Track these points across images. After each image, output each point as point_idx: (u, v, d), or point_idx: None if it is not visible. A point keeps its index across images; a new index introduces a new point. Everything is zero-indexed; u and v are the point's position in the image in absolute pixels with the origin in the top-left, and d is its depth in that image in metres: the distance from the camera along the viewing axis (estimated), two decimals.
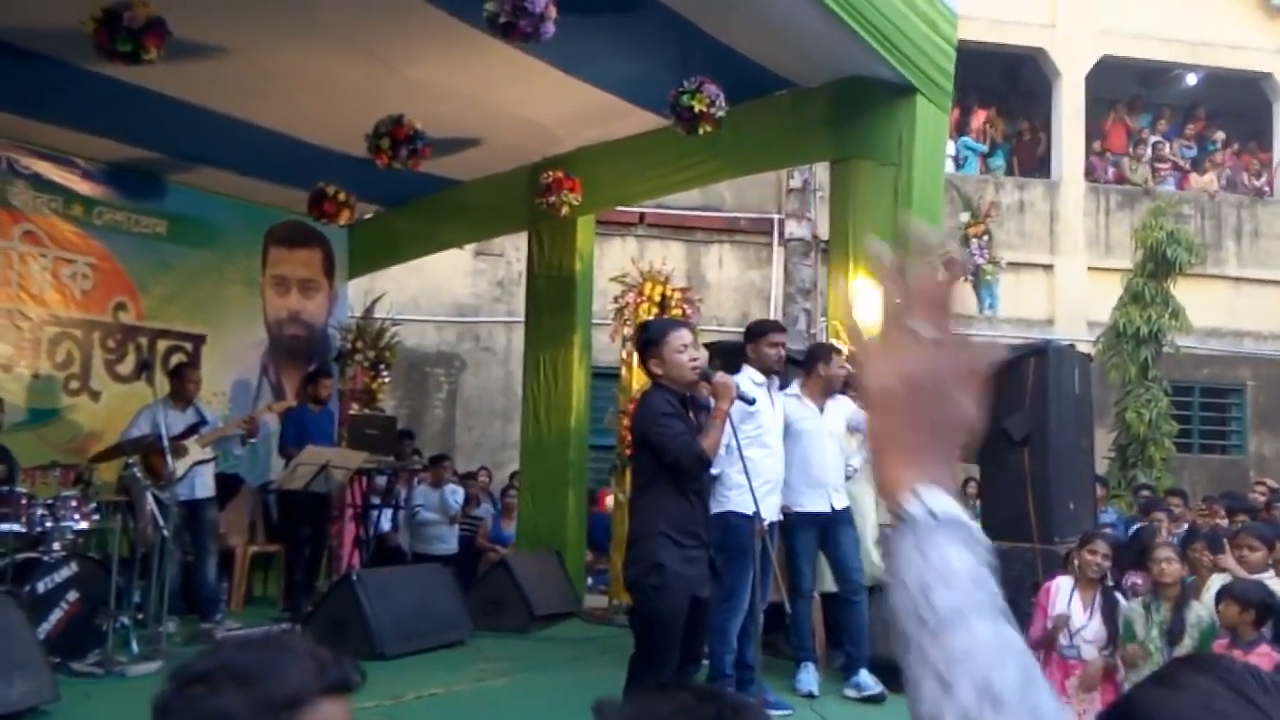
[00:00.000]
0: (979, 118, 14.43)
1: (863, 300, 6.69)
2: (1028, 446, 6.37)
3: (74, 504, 5.96)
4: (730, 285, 12.91)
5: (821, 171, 11.44)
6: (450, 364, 12.46)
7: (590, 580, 9.05)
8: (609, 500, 8.94)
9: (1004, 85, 14.98)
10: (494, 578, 7.62)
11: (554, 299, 8.71)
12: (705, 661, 5.16)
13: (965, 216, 11.46)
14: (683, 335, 4.56)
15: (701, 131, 6.42)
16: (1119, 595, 5.23)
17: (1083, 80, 13.90)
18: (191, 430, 6.87)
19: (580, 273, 8.71)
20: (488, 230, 10.10)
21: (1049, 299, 13.59)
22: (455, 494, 9.35)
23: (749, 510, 4.80)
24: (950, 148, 13.04)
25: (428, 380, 12.36)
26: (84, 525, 5.99)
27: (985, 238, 11.38)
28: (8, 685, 4.53)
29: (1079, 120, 13.97)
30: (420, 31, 6.10)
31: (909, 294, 0.92)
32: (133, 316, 8.40)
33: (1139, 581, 5.66)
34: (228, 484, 7.86)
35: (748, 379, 5.21)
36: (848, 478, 5.80)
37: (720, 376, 4.52)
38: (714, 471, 4.82)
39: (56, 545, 5.77)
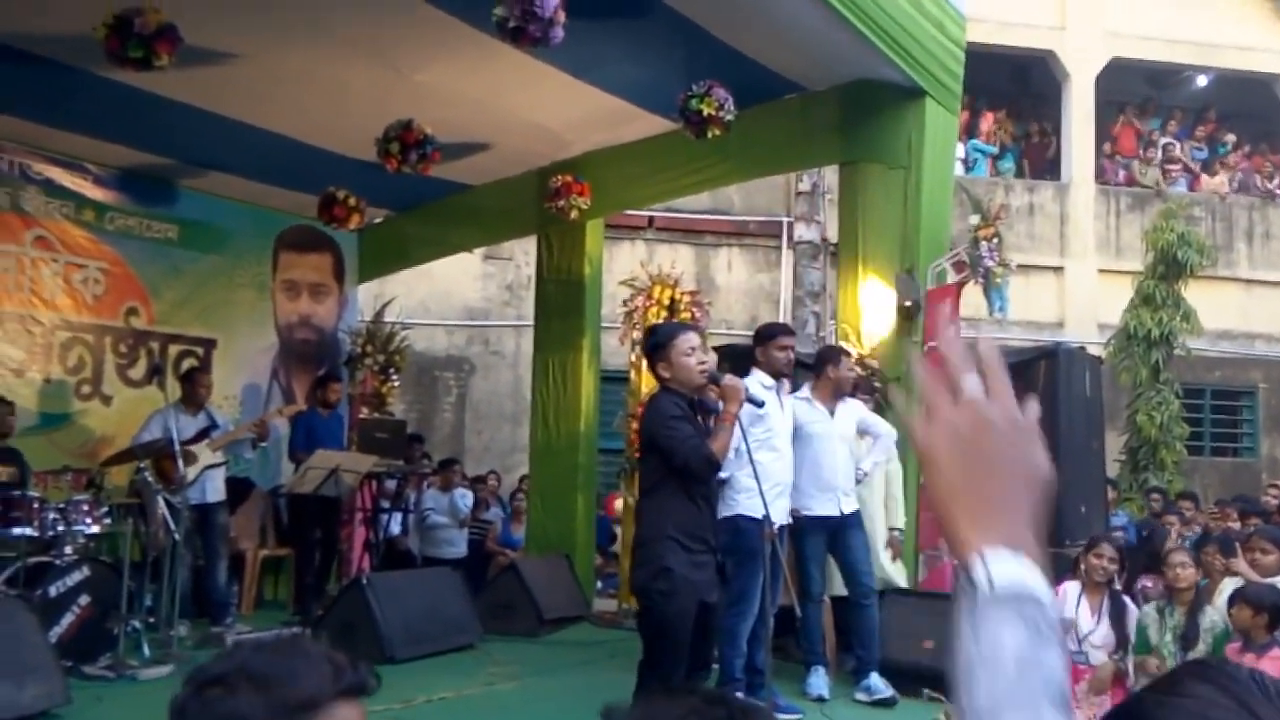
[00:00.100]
0: (988, 120, 14.40)
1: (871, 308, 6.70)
2: None
3: (85, 508, 5.96)
4: (739, 288, 12.90)
5: (830, 174, 11.40)
6: (460, 368, 12.48)
7: (600, 584, 9.05)
8: (618, 504, 8.93)
9: (1013, 87, 14.94)
10: (503, 581, 7.61)
11: (563, 303, 8.72)
12: (715, 666, 5.14)
13: (975, 219, 11.40)
14: (691, 338, 4.54)
15: (710, 135, 6.40)
16: (1128, 600, 5.21)
17: (1092, 82, 13.86)
18: (202, 435, 6.90)
19: (589, 276, 8.72)
20: (497, 234, 10.13)
21: (1059, 301, 13.55)
22: (465, 498, 9.33)
23: (758, 514, 4.77)
24: (960, 150, 13.00)
25: (437, 384, 12.37)
26: (95, 529, 5.99)
27: (995, 240, 11.33)
28: (20, 689, 4.55)
29: (1089, 122, 13.93)
30: (429, 36, 6.12)
31: (950, 355, 0.92)
32: (144, 321, 8.44)
33: (1150, 585, 5.64)
34: (238, 488, 7.88)
35: (757, 382, 5.19)
36: (858, 481, 5.78)
37: (729, 379, 4.49)
38: (723, 475, 4.80)
39: (68, 549, 5.79)
